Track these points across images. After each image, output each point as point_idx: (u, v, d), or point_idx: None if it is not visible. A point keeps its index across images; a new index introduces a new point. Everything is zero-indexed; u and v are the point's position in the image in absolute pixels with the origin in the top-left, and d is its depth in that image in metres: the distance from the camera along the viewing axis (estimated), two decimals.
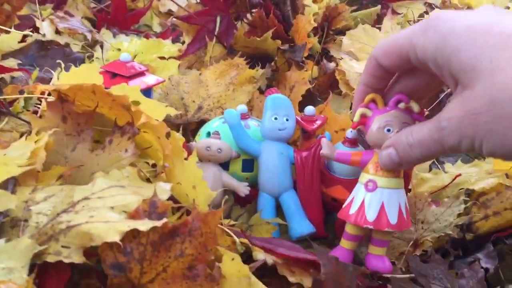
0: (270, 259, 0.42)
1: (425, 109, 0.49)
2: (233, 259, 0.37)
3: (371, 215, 0.45)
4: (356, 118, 0.47)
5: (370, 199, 0.46)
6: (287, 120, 0.52)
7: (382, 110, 0.46)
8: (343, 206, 0.48)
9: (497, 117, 0.31)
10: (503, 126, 0.31)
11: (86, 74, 0.46)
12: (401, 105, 0.46)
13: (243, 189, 0.52)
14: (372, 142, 0.47)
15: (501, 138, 0.32)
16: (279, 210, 0.54)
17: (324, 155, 0.49)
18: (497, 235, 0.51)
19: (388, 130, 0.45)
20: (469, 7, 1.40)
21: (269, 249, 0.43)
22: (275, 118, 0.51)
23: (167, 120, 0.68)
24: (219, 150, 0.51)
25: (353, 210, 0.46)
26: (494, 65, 0.31)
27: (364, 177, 0.47)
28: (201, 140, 0.53)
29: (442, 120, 0.36)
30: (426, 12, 1.04)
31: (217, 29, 0.87)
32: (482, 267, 0.48)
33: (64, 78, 0.47)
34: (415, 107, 0.46)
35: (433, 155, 0.39)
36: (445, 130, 0.35)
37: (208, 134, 0.56)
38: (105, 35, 0.93)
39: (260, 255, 0.42)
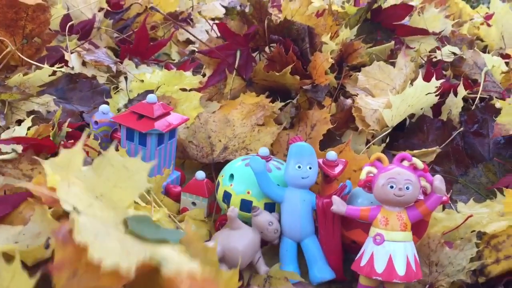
0: None
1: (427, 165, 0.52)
2: None
3: (379, 267, 0.49)
4: (363, 175, 0.50)
5: (378, 252, 0.49)
6: (310, 168, 0.54)
7: (387, 168, 0.49)
8: (356, 258, 0.51)
9: None
10: None
11: None
12: (405, 162, 0.50)
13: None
14: (378, 198, 0.50)
15: None
16: (300, 254, 0.57)
17: (335, 211, 0.52)
18: (508, 278, 0.54)
19: (391, 187, 0.49)
20: (478, 38, 1.43)
21: None
22: (299, 167, 0.54)
23: (194, 159, 0.71)
24: (275, 231, 0.55)
25: (363, 262, 0.50)
26: None
27: (372, 231, 0.51)
28: (264, 214, 0.56)
29: None
30: (438, 48, 1.07)
31: (237, 62, 0.90)
32: None
33: None
34: (418, 164, 0.50)
35: None
36: None
37: (232, 176, 0.59)
38: (128, 66, 0.97)
39: None
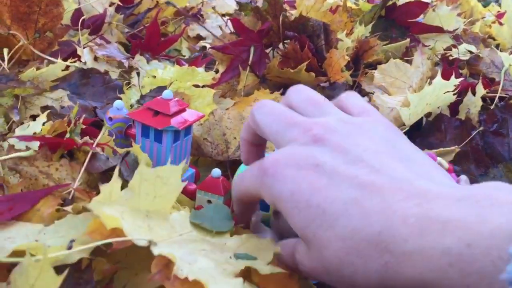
0: None
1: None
2: None
3: None
4: None
5: None
6: None
7: None
8: None
9: (333, 280, 0.34)
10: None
11: None
12: None
13: None
14: None
15: None
16: None
17: None
18: None
19: None
20: (490, 36, 1.42)
21: None
22: None
23: (209, 156, 0.70)
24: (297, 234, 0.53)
25: None
26: (318, 240, 0.33)
27: None
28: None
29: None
30: (454, 46, 1.06)
31: (250, 59, 0.89)
32: None
33: None
34: (444, 164, 0.48)
35: None
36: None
37: None
38: (140, 61, 0.96)
39: None
